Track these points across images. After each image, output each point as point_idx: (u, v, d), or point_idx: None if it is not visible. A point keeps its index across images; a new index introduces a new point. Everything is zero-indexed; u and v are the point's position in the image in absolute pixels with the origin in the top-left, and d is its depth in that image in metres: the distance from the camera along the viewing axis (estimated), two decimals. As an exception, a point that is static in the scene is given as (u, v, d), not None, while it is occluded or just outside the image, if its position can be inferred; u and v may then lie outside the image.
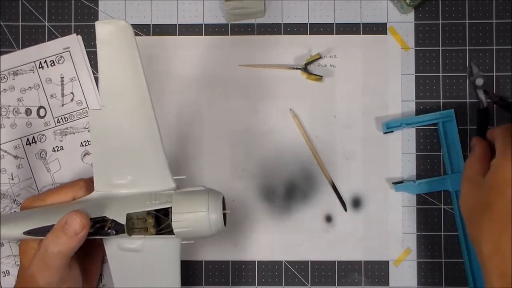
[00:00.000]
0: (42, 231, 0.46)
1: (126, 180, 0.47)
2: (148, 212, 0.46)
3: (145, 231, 0.46)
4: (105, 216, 0.46)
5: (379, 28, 0.58)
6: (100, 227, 0.46)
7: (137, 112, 0.46)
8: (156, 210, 0.46)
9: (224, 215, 0.46)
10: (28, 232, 0.46)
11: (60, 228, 0.44)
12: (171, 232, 0.45)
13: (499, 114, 0.57)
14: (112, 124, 0.47)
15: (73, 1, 0.58)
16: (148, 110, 0.46)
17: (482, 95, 0.56)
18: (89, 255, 0.51)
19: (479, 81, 0.56)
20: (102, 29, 0.45)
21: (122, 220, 0.45)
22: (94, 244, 0.49)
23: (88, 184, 0.50)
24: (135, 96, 0.46)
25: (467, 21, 0.58)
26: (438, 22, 0.58)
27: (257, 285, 0.56)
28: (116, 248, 0.47)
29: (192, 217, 0.45)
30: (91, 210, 0.46)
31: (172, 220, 0.45)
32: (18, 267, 0.54)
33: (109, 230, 0.46)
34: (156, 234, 0.46)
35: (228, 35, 0.58)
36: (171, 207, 0.45)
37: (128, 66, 0.46)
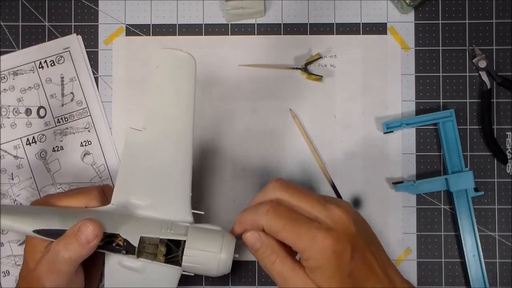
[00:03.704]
0: (54, 234, 0.45)
1: (145, 202, 0.48)
2: (161, 240, 0.46)
3: (154, 257, 0.46)
4: (118, 234, 0.46)
5: (379, 28, 0.58)
6: (109, 242, 0.46)
7: (176, 142, 0.47)
8: (169, 240, 0.46)
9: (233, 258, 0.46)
10: (38, 231, 0.46)
11: (72, 235, 0.44)
12: (177, 262, 0.46)
13: (501, 96, 0.57)
14: (147, 146, 0.47)
15: (73, 1, 0.58)
16: (187, 143, 0.46)
17: (485, 77, 0.56)
18: (91, 258, 0.51)
19: (482, 63, 0.56)
20: (166, 56, 0.46)
21: (135, 241, 0.45)
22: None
23: (101, 195, 0.50)
24: (179, 127, 0.46)
25: (467, 21, 0.58)
26: (438, 22, 0.58)
27: (257, 285, 0.56)
28: (116, 263, 0.47)
29: (204, 255, 0.45)
30: (105, 223, 0.45)
31: (184, 254, 0.45)
32: (19, 267, 0.54)
33: (118, 247, 0.46)
34: (164, 262, 0.46)
35: (228, 35, 0.58)
36: (185, 240, 0.45)
37: (180, 97, 0.46)
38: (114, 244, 0.46)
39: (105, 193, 0.50)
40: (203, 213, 0.49)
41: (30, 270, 0.47)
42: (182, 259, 0.45)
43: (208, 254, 0.45)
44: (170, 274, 0.46)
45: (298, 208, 0.43)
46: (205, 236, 0.46)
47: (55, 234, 0.45)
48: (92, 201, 0.49)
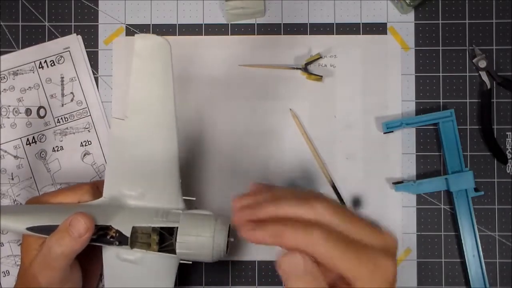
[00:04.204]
0: (46, 230, 0.46)
1: (136, 192, 0.48)
2: (154, 229, 0.46)
3: (148, 246, 0.46)
4: (110, 225, 0.46)
5: (379, 28, 0.58)
6: (103, 235, 0.46)
7: (159, 128, 0.46)
8: (161, 228, 0.46)
9: (228, 242, 0.46)
10: (31, 228, 0.46)
11: (64, 229, 0.44)
12: (172, 251, 0.46)
13: (501, 96, 0.57)
14: (132, 135, 0.47)
15: (73, 1, 0.58)
16: (171, 128, 0.46)
17: (485, 77, 0.56)
18: (89, 256, 0.51)
19: (482, 63, 0.56)
20: (141, 43, 0.46)
21: (127, 232, 0.45)
22: (95, 245, 0.49)
23: (93, 189, 0.50)
24: (161, 112, 0.46)
25: (467, 21, 0.58)
26: (438, 22, 0.58)
27: (257, 285, 0.56)
28: (114, 256, 0.47)
29: (197, 240, 0.45)
30: (97, 216, 0.46)
31: (177, 241, 0.45)
32: (19, 267, 0.54)
33: (112, 239, 0.46)
34: (158, 251, 0.46)
35: (228, 35, 0.58)
36: (177, 227, 0.45)
37: (159, 82, 0.46)
38: (108, 237, 0.46)
39: (98, 187, 0.50)
40: (194, 199, 0.48)
41: (26, 268, 0.47)
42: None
43: (201, 239, 0.45)
44: (167, 263, 0.46)
45: (349, 233, 0.37)
46: (197, 221, 0.46)
47: (48, 230, 0.45)
48: (84, 196, 0.49)
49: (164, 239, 0.46)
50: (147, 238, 0.46)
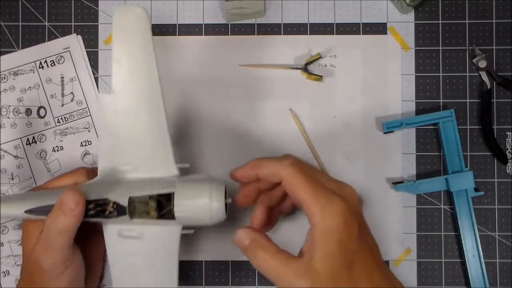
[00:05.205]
0: (44, 211, 0.46)
1: (130, 165, 0.48)
2: (151, 196, 0.46)
3: (147, 215, 0.46)
4: (107, 198, 0.46)
5: (379, 28, 0.58)
6: (101, 211, 0.46)
7: (146, 98, 0.47)
8: (159, 196, 0.46)
9: (226, 204, 0.46)
10: (30, 211, 0.46)
11: (58, 207, 0.45)
12: (172, 217, 0.46)
13: (501, 96, 0.57)
14: (121, 109, 0.47)
15: (73, 1, 0.58)
16: (157, 97, 0.47)
17: (485, 77, 0.56)
18: (91, 245, 0.51)
19: (482, 63, 0.56)
20: (119, 16, 0.46)
21: (124, 202, 0.45)
22: (96, 234, 0.49)
23: (89, 172, 0.50)
24: (145, 82, 0.47)
25: (467, 21, 0.58)
26: (438, 22, 0.58)
27: (257, 285, 0.56)
28: (115, 235, 0.47)
29: (194, 203, 0.45)
30: (94, 193, 0.46)
31: (174, 205, 0.45)
32: (19, 267, 0.55)
33: (110, 214, 0.46)
34: (157, 218, 0.46)
35: (228, 35, 0.58)
36: (173, 193, 0.45)
37: (141, 52, 0.47)
38: (106, 212, 0.46)
39: (94, 171, 0.50)
40: (188, 165, 0.49)
41: (28, 256, 0.47)
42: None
43: (198, 201, 0.45)
44: (170, 234, 0.46)
45: (312, 173, 0.43)
46: (193, 185, 0.46)
47: (46, 211, 0.46)
48: (80, 178, 0.49)
49: (162, 206, 0.46)
50: (145, 206, 0.46)
